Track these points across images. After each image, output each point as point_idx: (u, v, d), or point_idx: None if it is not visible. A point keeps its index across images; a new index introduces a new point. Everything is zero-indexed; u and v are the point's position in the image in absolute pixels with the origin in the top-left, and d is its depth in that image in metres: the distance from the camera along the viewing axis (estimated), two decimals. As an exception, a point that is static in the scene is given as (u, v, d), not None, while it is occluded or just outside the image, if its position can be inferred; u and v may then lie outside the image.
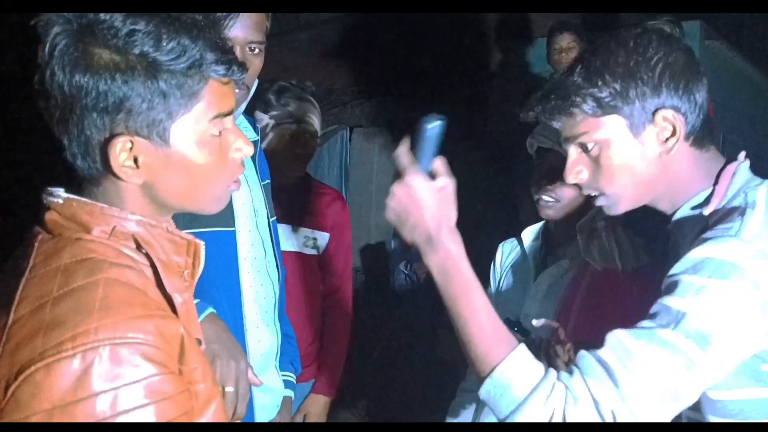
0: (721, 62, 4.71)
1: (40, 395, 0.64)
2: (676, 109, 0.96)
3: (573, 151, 1.02)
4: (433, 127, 0.93)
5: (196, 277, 0.84)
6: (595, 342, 0.94)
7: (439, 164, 0.95)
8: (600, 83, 0.95)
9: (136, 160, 0.74)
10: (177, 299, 0.77)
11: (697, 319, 0.86)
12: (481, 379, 0.91)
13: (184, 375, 0.73)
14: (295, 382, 1.56)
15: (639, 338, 0.88)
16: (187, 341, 0.74)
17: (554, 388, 0.87)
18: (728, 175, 0.99)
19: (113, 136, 0.73)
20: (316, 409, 1.92)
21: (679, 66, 0.95)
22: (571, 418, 0.85)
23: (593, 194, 1.05)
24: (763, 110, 6.15)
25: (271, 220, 1.44)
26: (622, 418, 0.85)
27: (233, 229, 1.31)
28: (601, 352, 0.89)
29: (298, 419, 1.89)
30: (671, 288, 0.91)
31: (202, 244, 0.84)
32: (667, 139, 0.97)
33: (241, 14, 1.20)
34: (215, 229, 1.25)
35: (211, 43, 0.74)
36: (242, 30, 1.21)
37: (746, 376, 0.93)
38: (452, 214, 0.94)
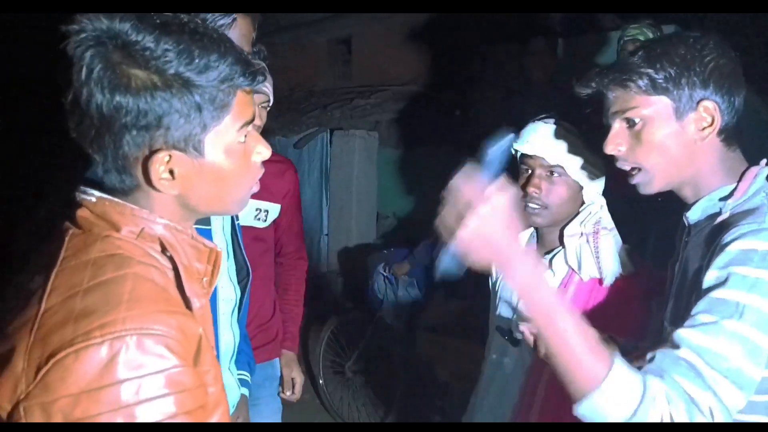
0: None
1: (68, 379, 0.67)
2: (717, 104, 1.06)
3: (617, 125, 1.12)
4: (505, 141, 0.92)
5: (213, 285, 0.87)
6: None
7: (502, 180, 0.92)
8: (658, 66, 1.06)
9: (171, 172, 0.78)
10: (195, 303, 0.80)
11: (756, 308, 0.93)
12: (579, 400, 0.92)
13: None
14: (249, 381, 1.59)
15: (708, 333, 0.93)
16: (204, 343, 0.78)
17: (656, 400, 0.90)
18: (751, 175, 1.08)
19: (153, 151, 0.76)
20: (294, 362, 1.99)
21: (727, 70, 1.07)
22: (678, 419, 0.90)
23: (628, 169, 1.13)
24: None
25: (237, 223, 1.45)
26: (717, 412, 0.91)
27: (209, 227, 1.34)
28: (681, 353, 0.94)
29: (288, 377, 1.94)
30: (722, 281, 0.96)
31: (222, 252, 0.88)
32: (704, 128, 1.07)
33: (234, 26, 1.25)
34: (195, 226, 1.26)
35: (237, 57, 0.78)
36: (240, 32, 1.27)
37: None
38: (518, 230, 0.94)
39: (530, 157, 1.44)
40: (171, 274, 0.79)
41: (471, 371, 1.79)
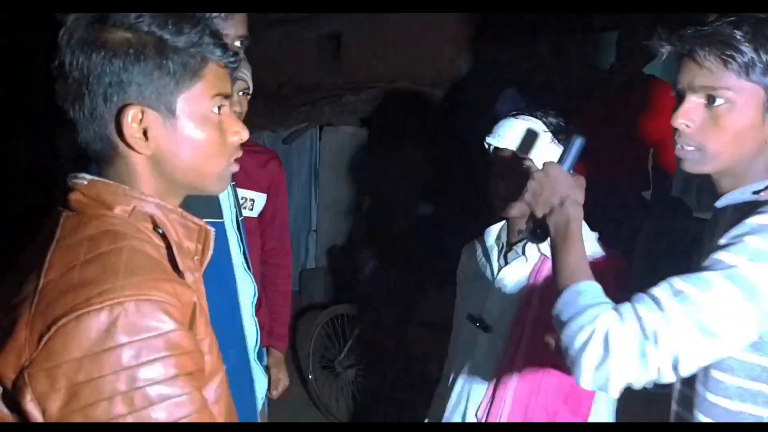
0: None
1: (71, 344, 0.70)
2: None
3: (694, 99, 1.04)
4: (580, 140, 1.20)
5: (205, 263, 0.90)
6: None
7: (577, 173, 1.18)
8: (763, 50, 0.98)
9: (145, 133, 0.81)
10: (189, 277, 0.82)
11: (746, 273, 0.92)
12: (561, 292, 1.06)
13: None
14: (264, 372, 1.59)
15: (688, 281, 0.95)
16: (198, 311, 0.80)
17: (605, 312, 0.97)
18: None
19: (125, 106, 0.80)
20: (282, 363, 1.98)
21: None
22: (615, 339, 0.93)
23: (685, 146, 1.06)
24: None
25: (240, 218, 1.45)
26: (663, 341, 0.92)
27: (222, 220, 1.34)
28: (653, 289, 0.98)
29: (276, 378, 1.95)
30: (728, 246, 0.96)
31: (212, 231, 0.90)
32: None
33: (227, 18, 1.28)
34: (206, 220, 1.27)
35: (209, 30, 0.83)
36: (234, 26, 1.30)
37: (750, 343, 0.99)
38: (579, 195, 1.16)
39: (502, 150, 1.51)
40: (164, 250, 0.82)
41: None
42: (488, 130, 1.54)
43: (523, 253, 1.50)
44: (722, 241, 0.99)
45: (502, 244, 1.57)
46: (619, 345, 0.93)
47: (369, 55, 5.30)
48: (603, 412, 1.45)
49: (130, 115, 0.80)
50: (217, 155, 0.88)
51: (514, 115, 1.52)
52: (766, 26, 0.99)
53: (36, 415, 0.70)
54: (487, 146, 1.54)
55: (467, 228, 3.06)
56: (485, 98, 3.90)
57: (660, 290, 0.97)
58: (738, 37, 0.98)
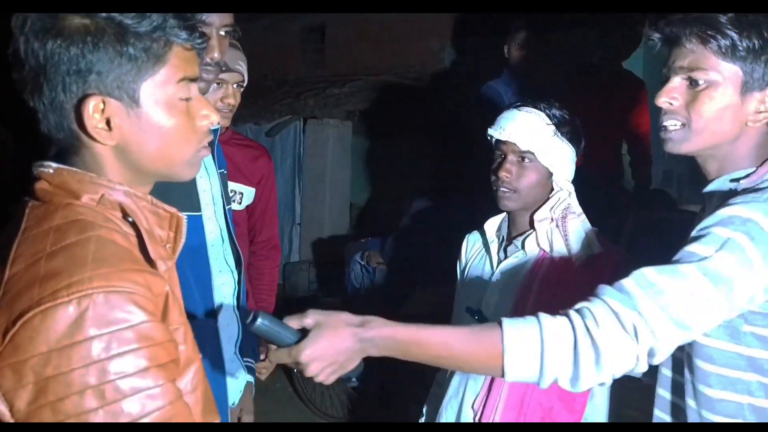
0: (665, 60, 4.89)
1: (37, 338, 0.68)
2: None
3: (677, 79, 1.08)
4: (257, 322, 0.92)
5: (177, 251, 0.87)
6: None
7: (293, 323, 0.95)
8: (745, 33, 1.02)
9: (108, 123, 0.78)
10: (161, 266, 0.80)
11: (716, 263, 0.95)
12: (503, 374, 0.96)
13: None
14: (255, 368, 1.58)
15: (661, 273, 0.97)
16: (171, 300, 0.79)
17: (560, 328, 0.94)
18: None
19: (86, 96, 0.76)
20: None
21: None
22: (602, 340, 0.93)
23: (670, 123, 1.09)
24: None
25: (227, 207, 1.44)
26: (642, 334, 0.93)
27: (200, 213, 1.33)
28: (623, 281, 0.98)
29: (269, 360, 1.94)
30: (698, 237, 1.00)
31: (184, 218, 0.87)
32: (761, 112, 1.06)
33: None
34: (183, 213, 1.26)
35: (174, 12, 0.79)
36: (219, 15, 1.28)
37: (726, 332, 1.04)
38: (346, 332, 0.95)
39: (504, 142, 1.50)
40: (134, 239, 0.80)
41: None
42: (491, 122, 1.53)
43: (522, 247, 1.50)
44: (693, 232, 1.02)
45: (502, 237, 1.57)
46: (607, 343, 0.94)
47: (353, 47, 5.27)
48: (600, 407, 1.45)
49: (91, 106, 0.76)
50: (186, 142, 0.84)
51: (517, 107, 1.51)
52: (750, 14, 1.03)
53: (4, 412, 0.68)
54: (489, 138, 1.53)
55: (455, 221, 3.07)
56: (469, 91, 3.90)
57: (632, 283, 0.97)
58: (721, 20, 1.03)
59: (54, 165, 0.80)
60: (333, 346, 0.94)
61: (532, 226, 1.49)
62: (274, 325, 0.94)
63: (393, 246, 3.38)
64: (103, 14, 0.75)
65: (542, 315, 0.97)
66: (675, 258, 1.00)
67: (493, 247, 1.57)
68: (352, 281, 3.50)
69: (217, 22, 1.27)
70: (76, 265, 0.71)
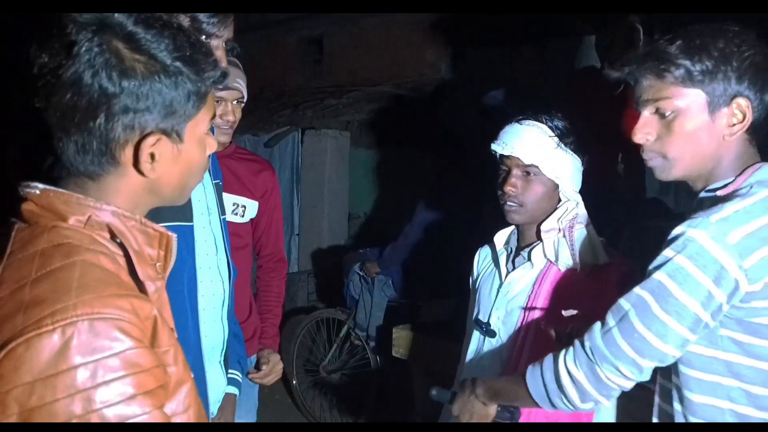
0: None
1: (21, 368, 0.67)
2: (750, 100, 1.07)
3: (647, 113, 1.13)
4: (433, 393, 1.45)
5: (168, 270, 0.88)
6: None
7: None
8: (696, 58, 1.06)
9: (152, 156, 0.81)
10: (150, 287, 0.80)
11: (660, 282, 1.04)
12: (533, 402, 1.23)
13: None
14: (240, 380, 1.57)
15: (627, 298, 1.09)
16: (160, 323, 0.78)
17: (558, 359, 1.16)
18: (751, 170, 1.10)
19: (146, 134, 0.79)
20: (277, 358, 2.00)
21: (763, 66, 1.08)
22: (571, 367, 1.13)
23: (650, 157, 1.15)
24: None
25: (221, 218, 1.44)
26: (599, 356, 1.10)
27: (191, 224, 1.33)
28: (607, 316, 1.11)
29: (271, 370, 1.95)
30: (656, 264, 1.07)
31: (174, 236, 0.88)
32: (734, 124, 1.09)
33: (232, 16, 1.27)
34: (176, 223, 1.26)
35: (214, 56, 0.86)
36: (228, 30, 1.29)
37: (703, 336, 1.07)
38: (465, 395, 1.37)
39: (507, 157, 1.50)
40: (122, 260, 0.80)
41: (448, 370, 1.82)
42: (494, 137, 1.53)
43: (529, 258, 1.50)
44: (655, 260, 1.08)
45: (511, 249, 1.57)
46: (576, 374, 1.13)
47: (351, 58, 5.30)
48: (608, 410, 1.45)
49: (149, 143, 0.79)
50: (201, 172, 0.90)
51: (518, 121, 1.51)
52: (697, 36, 1.08)
53: None
54: (493, 152, 1.52)
55: (454, 231, 3.07)
56: (467, 101, 3.92)
57: (609, 314, 1.11)
58: (671, 51, 1.08)
59: (41, 186, 0.80)
60: (463, 406, 1.36)
61: (539, 237, 1.49)
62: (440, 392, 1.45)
63: (389, 258, 3.37)
64: (169, 61, 0.78)
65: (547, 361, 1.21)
66: (640, 284, 1.09)
67: (502, 259, 1.57)
68: (351, 292, 3.50)
69: (225, 35, 1.28)
70: (60, 292, 0.70)
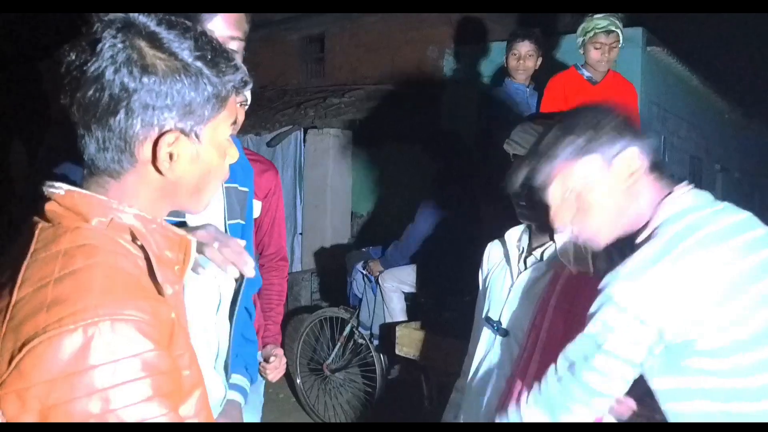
0: (662, 67, 4.92)
1: (41, 366, 0.68)
2: (637, 148, 1.14)
3: (558, 199, 1.19)
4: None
5: (185, 273, 0.87)
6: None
7: None
8: (577, 133, 1.15)
9: (170, 155, 0.80)
10: (168, 290, 0.80)
11: (594, 336, 1.11)
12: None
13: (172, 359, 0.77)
14: (247, 388, 1.49)
15: (570, 354, 1.18)
16: (177, 327, 0.79)
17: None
18: (658, 208, 1.14)
19: (164, 132, 0.79)
20: (281, 353, 1.98)
21: (628, 123, 1.17)
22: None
23: (578, 239, 1.21)
24: (702, 113, 6.45)
25: (228, 223, 1.43)
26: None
27: (183, 219, 1.31)
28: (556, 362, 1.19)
29: (280, 363, 1.93)
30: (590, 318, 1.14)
31: (193, 240, 0.88)
32: (632, 173, 1.14)
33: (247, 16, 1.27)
34: (175, 218, 1.25)
35: (237, 60, 0.85)
36: (223, 23, 1.25)
37: (670, 367, 1.09)
38: None
39: (518, 156, 1.49)
40: (143, 263, 0.80)
41: (451, 367, 1.82)
42: (506, 137, 1.53)
43: (542, 259, 1.49)
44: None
45: (523, 248, 1.56)
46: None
47: (352, 57, 5.30)
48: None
49: (168, 140, 0.79)
50: (218, 178, 0.88)
51: (530, 119, 1.52)
52: (564, 124, 1.18)
53: None
54: (507, 152, 1.52)
55: (456, 230, 3.07)
56: (467, 98, 3.91)
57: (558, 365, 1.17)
58: (554, 137, 1.17)
59: (65, 187, 0.80)
60: None
61: (552, 238, 1.48)
62: None
63: (391, 256, 3.37)
64: (190, 60, 0.79)
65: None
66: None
67: (514, 257, 1.56)
68: (354, 290, 3.50)
69: (240, 33, 1.27)
70: (82, 292, 0.71)
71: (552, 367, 1.18)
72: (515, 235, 1.58)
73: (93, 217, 0.79)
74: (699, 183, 5.56)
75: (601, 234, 1.18)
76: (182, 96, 0.79)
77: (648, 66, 4.38)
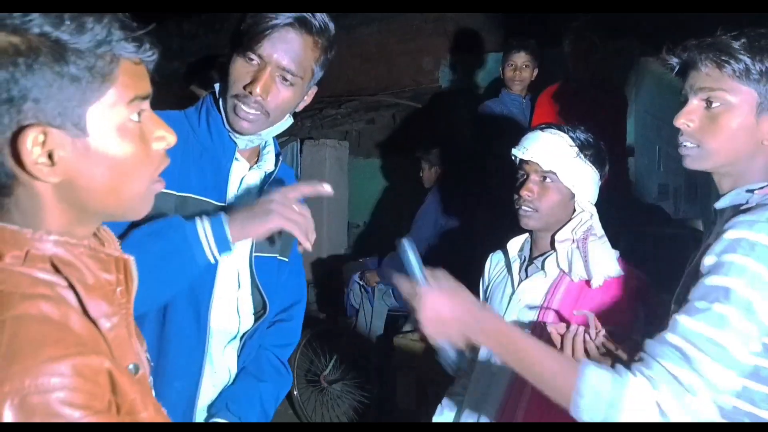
0: (656, 77, 4.96)
1: None
2: None
3: (695, 101, 1.13)
4: (405, 244, 1.04)
5: (132, 294, 0.78)
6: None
7: (428, 272, 1.07)
8: (758, 58, 1.07)
9: (51, 156, 0.66)
10: (104, 324, 0.70)
11: (741, 294, 0.99)
12: (568, 407, 1.02)
13: (122, 407, 0.67)
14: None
15: (697, 318, 1.00)
16: (117, 374, 0.67)
17: (640, 392, 0.99)
18: None
19: (22, 128, 0.65)
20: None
21: None
22: (665, 403, 0.97)
23: (686, 143, 1.14)
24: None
25: (253, 255, 1.33)
26: (703, 391, 0.97)
27: (223, 203, 1.23)
28: (669, 337, 1.01)
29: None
30: (715, 267, 1.03)
31: (131, 259, 0.77)
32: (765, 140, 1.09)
33: (273, 32, 1.14)
34: (206, 198, 1.20)
35: (119, 21, 0.68)
36: (272, 49, 1.15)
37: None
38: (468, 304, 1.06)
39: (526, 162, 1.52)
40: (72, 296, 0.68)
41: (450, 377, 1.81)
42: (515, 142, 1.55)
43: (543, 267, 1.50)
44: (706, 259, 1.04)
45: (524, 257, 1.57)
46: (669, 407, 0.98)
47: (348, 68, 5.32)
48: None
49: (30, 139, 0.64)
50: (138, 173, 0.73)
51: (541, 128, 1.53)
52: (762, 38, 1.08)
53: None
54: (513, 158, 1.55)
55: (452, 240, 3.07)
56: (464, 109, 3.93)
57: (678, 338, 1.01)
58: (735, 46, 1.08)
59: None
60: (453, 308, 1.04)
61: (553, 246, 1.50)
62: (415, 257, 1.02)
63: (388, 267, 3.37)
64: (36, 29, 0.63)
65: (621, 370, 1.02)
66: (698, 295, 1.03)
67: (515, 266, 1.57)
68: (351, 301, 3.50)
69: (267, 56, 1.15)
70: None
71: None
72: (517, 244, 1.59)
73: (5, 253, 0.67)
74: (695, 191, 5.59)
75: (713, 157, 1.12)
76: (35, 80, 0.63)
77: (641, 75, 4.41)
